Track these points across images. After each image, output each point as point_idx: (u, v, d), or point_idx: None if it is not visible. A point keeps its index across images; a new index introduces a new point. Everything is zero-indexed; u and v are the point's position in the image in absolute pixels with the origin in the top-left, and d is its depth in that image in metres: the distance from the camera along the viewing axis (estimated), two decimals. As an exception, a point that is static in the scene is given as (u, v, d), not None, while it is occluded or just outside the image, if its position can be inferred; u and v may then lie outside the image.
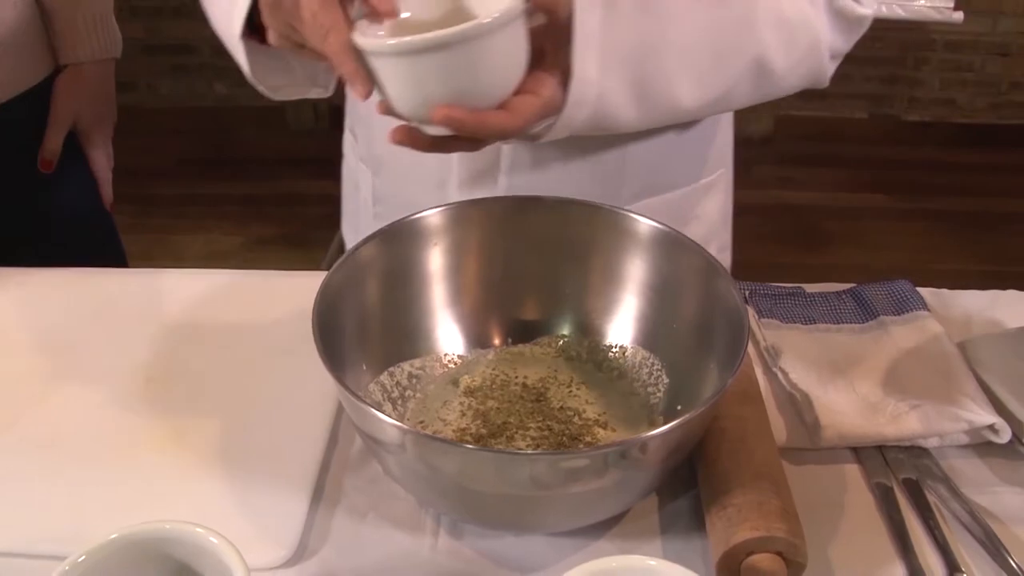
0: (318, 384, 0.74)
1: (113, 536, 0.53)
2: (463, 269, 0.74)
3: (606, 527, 0.65)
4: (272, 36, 0.64)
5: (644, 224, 0.71)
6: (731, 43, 0.72)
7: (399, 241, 0.71)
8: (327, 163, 3.18)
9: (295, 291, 0.85)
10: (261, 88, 0.75)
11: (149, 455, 0.69)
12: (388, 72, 0.58)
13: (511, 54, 0.59)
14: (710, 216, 0.96)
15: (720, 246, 0.99)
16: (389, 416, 0.57)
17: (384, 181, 0.93)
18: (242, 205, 2.77)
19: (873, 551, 0.64)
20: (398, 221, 0.70)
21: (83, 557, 0.52)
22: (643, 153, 0.85)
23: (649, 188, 0.87)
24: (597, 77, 0.65)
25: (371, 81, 0.59)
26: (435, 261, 0.73)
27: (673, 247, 0.71)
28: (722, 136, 0.96)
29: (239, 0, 0.66)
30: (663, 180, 0.89)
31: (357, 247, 0.67)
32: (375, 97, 0.61)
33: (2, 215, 1.08)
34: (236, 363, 0.78)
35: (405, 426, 0.57)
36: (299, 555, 0.62)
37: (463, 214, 0.72)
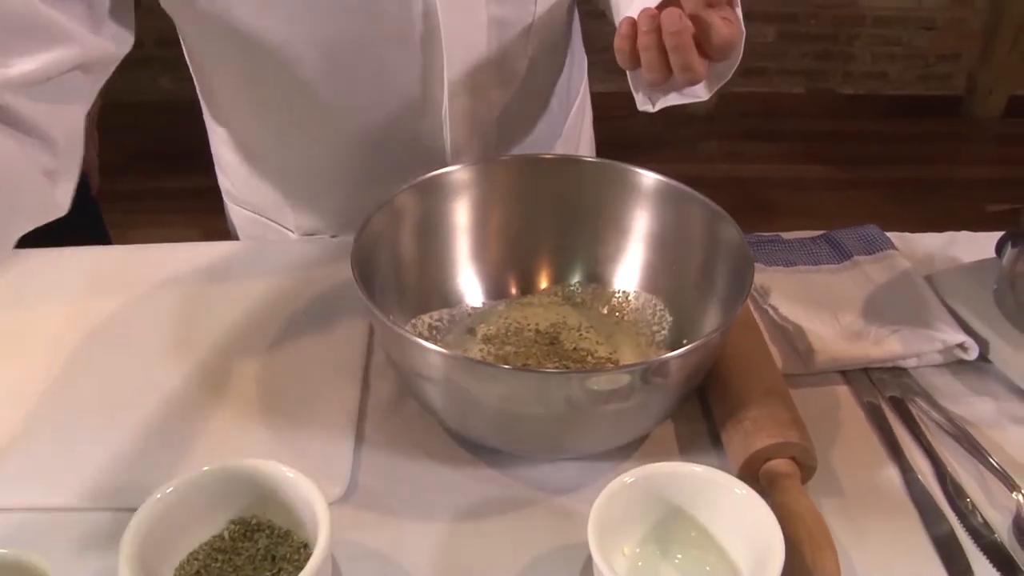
0: (345, 336, 0.79)
1: (203, 469, 0.57)
2: (484, 223, 0.79)
3: (630, 451, 0.70)
4: None
5: (649, 178, 0.77)
6: None
7: (429, 194, 0.76)
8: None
9: (306, 256, 0.90)
10: None
11: (196, 410, 0.73)
12: None
13: None
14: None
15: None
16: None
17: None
18: (196, 199, 2.75)
19: (869, 457, 0.71)
20: (429, 175, 0.75)
21: (171, 489, 0.56)
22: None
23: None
24: None
25: None
26: (459, 215, 0.78)
27: (677, 198, 0.76)
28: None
29: None
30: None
31: (393, 197, 0.73)
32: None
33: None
34: (263, 324, 0.82)
35: (452, 353, 0.62)
36: (350, 491, 0.66)
37: (486, 170, 0.78)
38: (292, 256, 0.90)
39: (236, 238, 1.06)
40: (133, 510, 0.56)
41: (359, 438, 0.70)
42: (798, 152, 2.89)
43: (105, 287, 0.87)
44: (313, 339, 0.80)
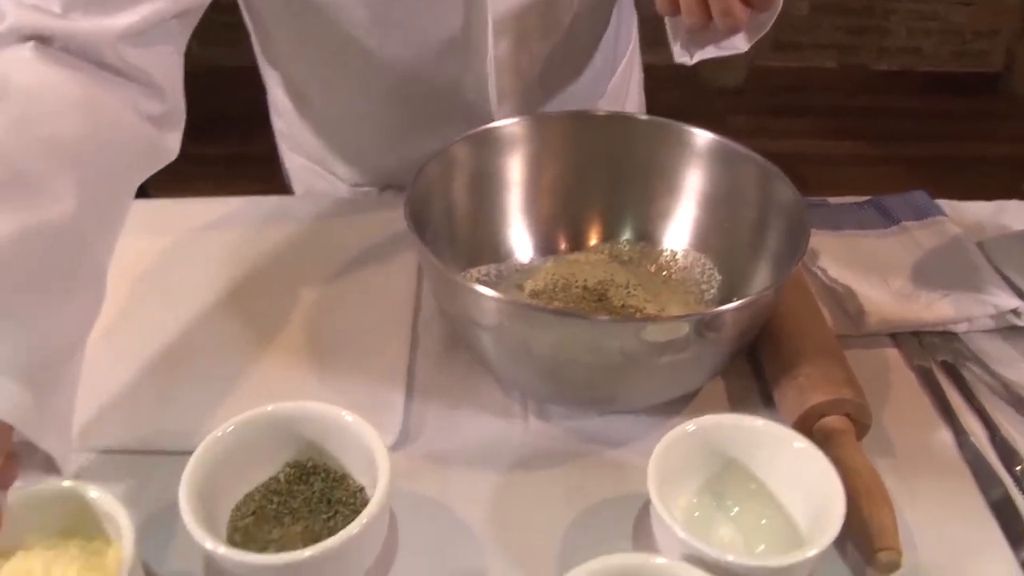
0: (394, 288, 0.79)
1: (266, 409, 0.57)
2: (536, 177, 0.79)
3: (680, 406, 0.70)
4: None
5: (703, 137, 0.76)
6: None
7: (484, 146, 0.76)
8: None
9: (355, 209, 0.90)
10: None
11: (246, 359, 0.73)
12: None
13: None
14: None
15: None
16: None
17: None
18: (225, 165, 2.77)
19: (920, 419, 0.71)
20: (483, 128, 0.75)
21: (231, 428, 0.56)
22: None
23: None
24: None
25: None
26: (513, 168, 0.77)
27: (730, 156, 0.76)
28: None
29: None
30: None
31: (448, 147, 0.72)
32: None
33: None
34: (311, 278, 0.82)
35: (507, 298, 0.61)
36: (402, 441, 0.67)
37: (541, 124, 0.77)
38: (341, 209, 0.90)
39: (290, 187, 1.07)
40: (184, 453, 0.57)
41: (408, 389, 0.70)
42: (829, 128, 2.86)
43: (154, 238, 0.87)
44: (361, 292, 0.80)
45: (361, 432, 0.57)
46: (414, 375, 0.72)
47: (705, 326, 0.62)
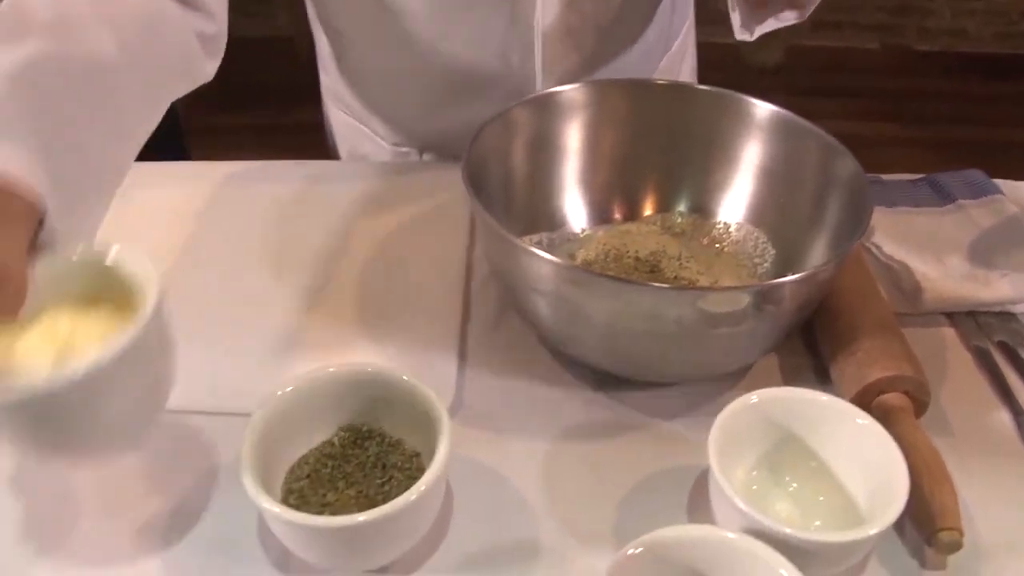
0: (445, 256, 0.79)
1: (328, 370, 0.57)
2: (594, 145, 0.78)
3: (734, 380, 0.69)
4: None
5: (764, 108, 0.75)
6: None
7: (542, 110, 0.75)
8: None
9: (403, 174, 0.90)
10: None
11: (297, 325, 0.73)
12: None
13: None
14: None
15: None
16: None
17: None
18: (255, 136, 2.77)
19: (978, 399, 0.69)
20: (542, 92, 0.75)
21: (291, 388, 0.56)
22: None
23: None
24: None
25: None
26: (571, 135, 0.77)
27: (792, 129, 0.75)
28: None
29: None
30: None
31: (507, 110, 0.72)
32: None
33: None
34: (363, 242, 0.81)
35: (565, 262, 0.60)
36: (456, 407, 0.66)
37: (601, 91, 0.77)
38: (387, 172, 0.90)
39: (334, 145, 1.06)
40: (234, 415, 0.57)
41: (461, 356, 0.70)
42: (868, 109, 2.82)
43: (199, 199, 0.87)
44: (412, 255, 0.80)
45: (421, 395, 0.56)
46: (466, 341, 0.72)
47: (763, 298, 0.61)
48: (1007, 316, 0.77)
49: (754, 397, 0.57)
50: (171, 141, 1.24)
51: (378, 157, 1.01)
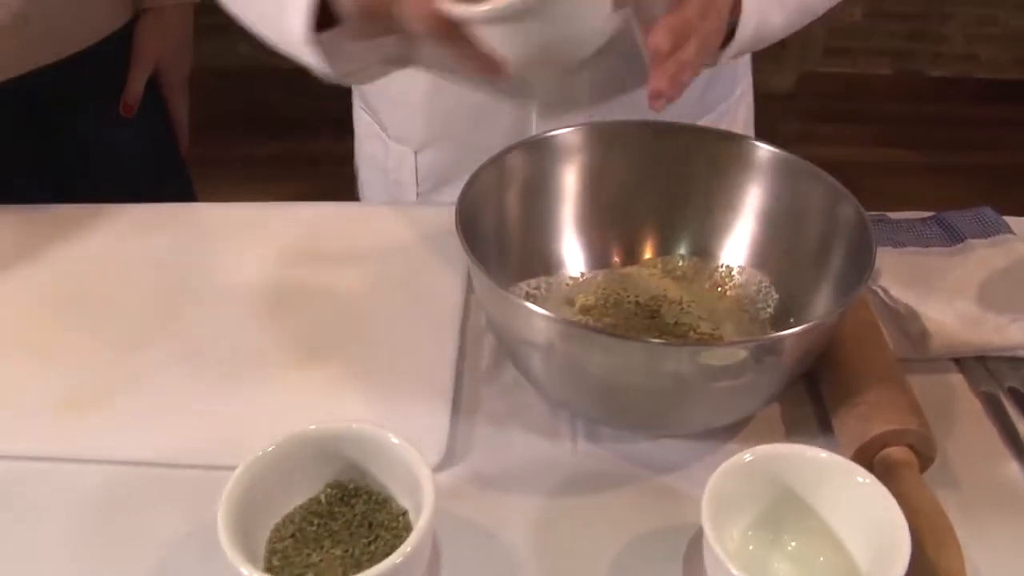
0: (440, 301, 0.77)
1: (309, 428, 0.56)
2: (592, 188, 0.76)
3: (734, 432, 0.67)
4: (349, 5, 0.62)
5: (766, 151, 0.74)
6: None
7: (539, 154, 0.74)
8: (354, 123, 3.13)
9: (401, 217, 0.89)
10: (332, 78, 0.70)
11: (290, 371, 0.72)
12: (490, 35, 0.57)
13: None
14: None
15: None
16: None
17: (433, 157, 0.94)
18: (269, 166, 2.78)
19: (988, 450, 0.67)
20: (539, 135, 0.73)
21: (272, 447, 0.55)
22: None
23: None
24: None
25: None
26: (567, 179, 0.75)
27: (795, 173, 0.73)
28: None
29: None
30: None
31: (501, 155, 0.70)
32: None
33: (83, 159, 1.10)
34: (356, 286, 0.80)
35: (557, 317, 0.59)
36: (447, 461, 0.65)
37: (599, 133, 0.75)
38: (386, 217, 0.89)
39: (358, 153, 1.05)
40: (221, 468, 0.55)
41: (456, 407, 0.69)
42: (882, 136, 2.80)
43: (196, 243, 0.87)
44: (407, 299, 0.78)
45: (406, 455, 0.55)
46: (461, 390, 0.70)
47: (764, 351, 0.59)
48: (1018, 361, 0.75)
49: (748, 455, 0.55)
50: (178, 178, 1.23)
51: (384, 161, 0.98)
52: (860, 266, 0.64)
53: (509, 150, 0.71)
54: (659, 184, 0.77)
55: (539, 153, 0.74)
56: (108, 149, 1.12)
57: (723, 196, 0.76)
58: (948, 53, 2.93)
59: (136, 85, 1.09)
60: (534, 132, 0.85)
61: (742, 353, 0.58)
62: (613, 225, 0.78)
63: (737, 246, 0.77)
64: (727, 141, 0.75)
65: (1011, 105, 2.91)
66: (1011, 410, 0.71)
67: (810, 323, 0.59)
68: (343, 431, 0.56)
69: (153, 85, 1.13)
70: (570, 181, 0.76)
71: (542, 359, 0.62)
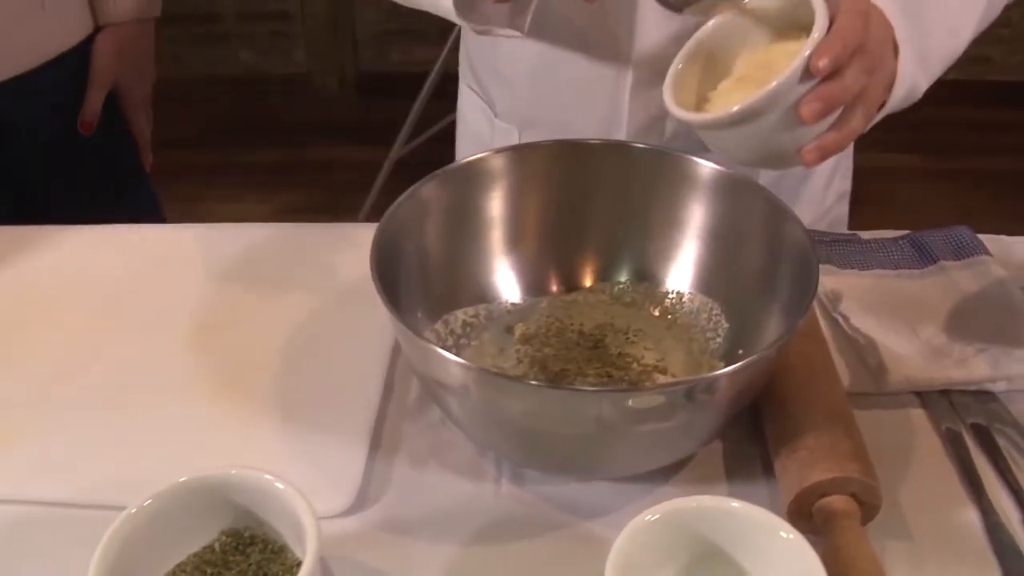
0: (372, 332, 0.73)
1: (180, 480, 0.52)
2: (521, 213, 0.73)
3: (671, 472, 0.63)
4: None
5: (707, 168, 0.70)
6: None
7: (459, 183, 0.70)
8: (355, 130, 3.11)
9: (344, 242, 0.85)
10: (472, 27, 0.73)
11: (206, 405, 0.69)
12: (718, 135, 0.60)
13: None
14: None
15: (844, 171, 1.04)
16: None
17: (536, 136, 0.92)
18: (271, 173, 2.76)
19: (945, 495, 0.63)
20: (458, 163, 0.69)
21: (149, 501, 0.52)
22: None
23: None
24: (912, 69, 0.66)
25: None
26: (493, 205, 0.71)
27: (738, 190, 0.69)
28: None
29: None
30: None
31: (416, 187, 0.66)
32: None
33: (43, 177, 1.08)
34: (289, 314, 0.77)
35: (470, 364, 0.56)
36: (360, 503, 0.61)
37: (523, 157, 0.71)
38: (321, 244, 0.85)
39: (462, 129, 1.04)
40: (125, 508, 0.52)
41: (375, 444, 0.65)
42: (889, 140, 2.72)
43: (132, 267, 0.83)
44: (339, 334, 0.74)
45: (292, 502, 0.51)
46: (383, 426, 0.67)
47: (696, 392, 0.55)
48: (985, 395, 0.70)
49: (652, 515, 0.50)
50: (140, 195, 1.20)
51: (490, 140, 0.97)
52: (805, 294, 0.60)
53: (425, 181, 0.67)
54: (594, 206, 0.73)
55: (459, 181, 0.70)
56: (68, 167, 1.09)
57: (663, 216, 0.72)
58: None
59: (94, 103, 1.06)
60: (627, 114, 0.84)
61: (661, 398, 0.54)
62: (547, 250, 0.74)
63: (684, 269, 0.73)
64: (663, 157, 0.71)
65: (1022, 108, 2.83)
66: (973, 449, 0.66)
67: (743, 362, 0.55)
68: (224, 479, 0.53)
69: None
70: (495, 207, 0.72)
71: (459, 404, 0.59)
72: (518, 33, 0.72)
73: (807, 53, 0.54)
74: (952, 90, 2.87)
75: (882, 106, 0.66)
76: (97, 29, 1.06)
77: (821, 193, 0.98)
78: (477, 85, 0.98)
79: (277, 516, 0.54)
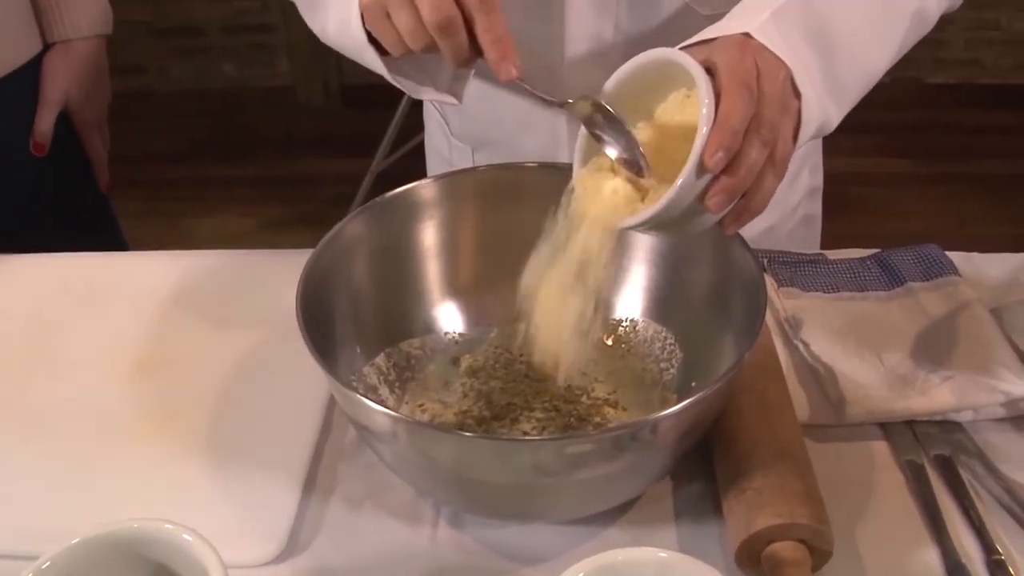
0: (313, 366, 0.70)
1: (78, 540, 0.49)
2: (458, 242, 0.70)
3: (617, 514, 0.61)
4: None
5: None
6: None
7: (388, 216, 0.67)
8: (339, 143, 3.08)
9: (291, 270, 0.82)
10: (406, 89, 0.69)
11: (135, 445, 0.66)
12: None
13: None
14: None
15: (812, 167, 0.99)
16: (381, 403, 0.53)
17: (488, 155, 0.91)
18: (255, 187, 2.73)
19: (904, 534, 0.60)
20: (387, 195, 0.66)
21: (47, 564, 0.49)
22: None
23: None
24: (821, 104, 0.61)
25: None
26: (428, 235, 0.69)
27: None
28: None
29: (351, 9, 0.63)
30: None
31: (343, 224, 0.63)
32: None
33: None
34: (230, 346, 0.74)
35: (396, 414, 0.53)
36: (291, 549, 0.58)
37: (454, 185, 0.69)
38: (269, 272, 0.82)
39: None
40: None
41: (309, 488, 0.62)
42: (881, 145, 2.70)
43: (64, 299, 0.81)
44: (277, 368, 0.72)
45: (202, 556, 0.48)
46: (318, 467, 0.64)
47: (637, 434, 0.53)
48: (951, 425, 0.67)
49: (578, 573, 0.48)
50: (96, 216, 1.17)
51: (449, 156, 0.96)
52: (753, 324, 0.57)
53: (351, 218, 0.65)
54: (534, 232, 0.70)
55: (385, 215, 0.67)
56: (20, 188, 1.07)
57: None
58: (948, 58, 2.82)
59: (44, 122, 1.04)
60: (566, 139, 0.82)
61: (595, 445, 0.51)
62: (490, 278, 0.71)
63: (633, 296, 0.71)
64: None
65: (1015, 111, 2.80)
66: (936, 481, 0.63)
67: (687, 401, 0.52)
68: (131, 532, 0.50)
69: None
70: (430, 237, 0.69)
71: (391, 453, 0.56)
72: (455, 100, 0.69)
73: (698, 152, 0.50)
74: (945, 94, 2.86)
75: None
76: (47, 47, 1.04)
77: (786, 190, 0.94)
78: (436, 105, 0.96)
79: (187, 568, 0.51)
